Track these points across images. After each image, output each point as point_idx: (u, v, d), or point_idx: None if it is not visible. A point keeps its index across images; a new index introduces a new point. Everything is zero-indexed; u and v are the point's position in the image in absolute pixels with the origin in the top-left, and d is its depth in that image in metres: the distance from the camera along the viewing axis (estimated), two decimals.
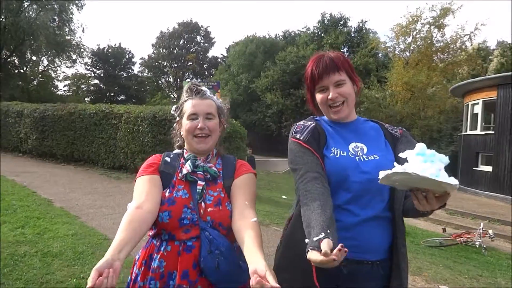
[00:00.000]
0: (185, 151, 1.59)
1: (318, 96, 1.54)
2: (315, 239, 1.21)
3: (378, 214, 1.44)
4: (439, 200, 1.20)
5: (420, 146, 1.17)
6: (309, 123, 1.57)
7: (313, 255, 1.17)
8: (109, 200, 7.55)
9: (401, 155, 1.21)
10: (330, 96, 1.49)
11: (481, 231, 7.25)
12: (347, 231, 1.41)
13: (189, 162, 1.51)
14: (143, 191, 1.45)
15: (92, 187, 8.94)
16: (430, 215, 1.41)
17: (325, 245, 1.15)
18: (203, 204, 1.44)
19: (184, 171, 1.48)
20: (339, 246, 1.12)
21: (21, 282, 3.42)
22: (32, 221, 5.43)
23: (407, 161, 1.16)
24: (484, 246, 7.04)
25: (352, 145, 1.51)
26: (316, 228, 1.25)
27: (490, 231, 7.29)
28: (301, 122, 1.60)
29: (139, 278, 1.43)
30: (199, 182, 1.48)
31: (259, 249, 1.24)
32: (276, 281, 1.10)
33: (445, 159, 1.15)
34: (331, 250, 1.13)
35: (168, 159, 1.57)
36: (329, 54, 1.53)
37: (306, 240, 1.26)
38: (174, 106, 1.65)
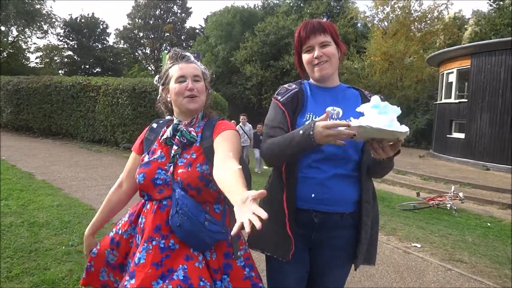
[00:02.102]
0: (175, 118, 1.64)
1: (305, 57, 1.64)
2: (307, 123, 1.44)
3: (347, 173, 1.58)
4: (393, 148, 1.38)
5: (375, 99, 1.31)
6: (293, 87, 1.68)
7: (321, 122, 1.38)
8: (91, 172, 7.55)
9: (358, 109, 1.36)
10: (315, 55, 1.59)
11: (452, 194, 7.63)
12: (318, 185, 1.55)
13: (170, 127, 1.58)
14: (128, 168, 1.69)
15: (73, 160, 8.89)
16: (391, 169, 1.59)
17: (323, 116, 1.42)
18: (171, 167, 1.52)
19: (164, 135, 1.57)
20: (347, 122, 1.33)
21: (10, 250, 3.48)
22: (15, 193, 5.44)
23: (363, 115, 1.31)
24: (455, 208, 7.44)
25: (329, 108, 1.61)
26: (297, 129, 1.46)
27: (461, 194, 7.69)
28: (286, 85, 1.70)
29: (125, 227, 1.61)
30: (174, 146, 1.55)
31: (243, 186, 1.12)
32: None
33: (398, 110, 1.30)
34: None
35: (154, 125, 1.67)
36: (317, 19, 1.65)
37: (300, 132, 1.43)
38: (157, 76, 1.68)
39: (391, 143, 1.37)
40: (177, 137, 1.56)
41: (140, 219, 1.55)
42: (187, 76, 1.58)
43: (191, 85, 1.56)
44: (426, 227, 5.82)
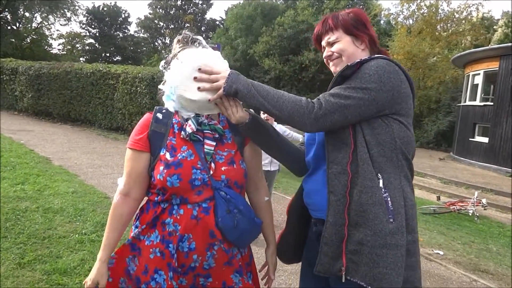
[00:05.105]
0: None
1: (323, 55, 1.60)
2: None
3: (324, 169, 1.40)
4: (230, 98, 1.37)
5: None
6: None
7: None
8: (107, 160, 7.54)
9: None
10: (324, 55, 1.56)
11: (475, 200, 7.36)
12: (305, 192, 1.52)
13: (192, 119, 1.39)
14: (133, 171, 1.40)
15: (90, 146, 8.92)
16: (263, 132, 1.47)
17: None
18: (213, 164, 1.36)
19: (189, 130, 1.36)
20: None
21: (23, 236, 3.45)
22: (31, 178, 5.44)
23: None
24: (477, 214, 7.17)
25: None
26: None
27: (484, 200, 7.40)
28: None
29: (157, 241, 1.36)
30: (208, 141, 1.38)
31: (271, 234, 1.58)
32: (274, 270, 1.58)
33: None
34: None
35: (159, 115, 1.43)
36: (332, 15, 1.53)
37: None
38: (163, 61, 1.49)
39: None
40: (207, 131, 1.39)
41: (168, 227, 1.35)
42: None
43: None
44: (447, 233, 5.60)
